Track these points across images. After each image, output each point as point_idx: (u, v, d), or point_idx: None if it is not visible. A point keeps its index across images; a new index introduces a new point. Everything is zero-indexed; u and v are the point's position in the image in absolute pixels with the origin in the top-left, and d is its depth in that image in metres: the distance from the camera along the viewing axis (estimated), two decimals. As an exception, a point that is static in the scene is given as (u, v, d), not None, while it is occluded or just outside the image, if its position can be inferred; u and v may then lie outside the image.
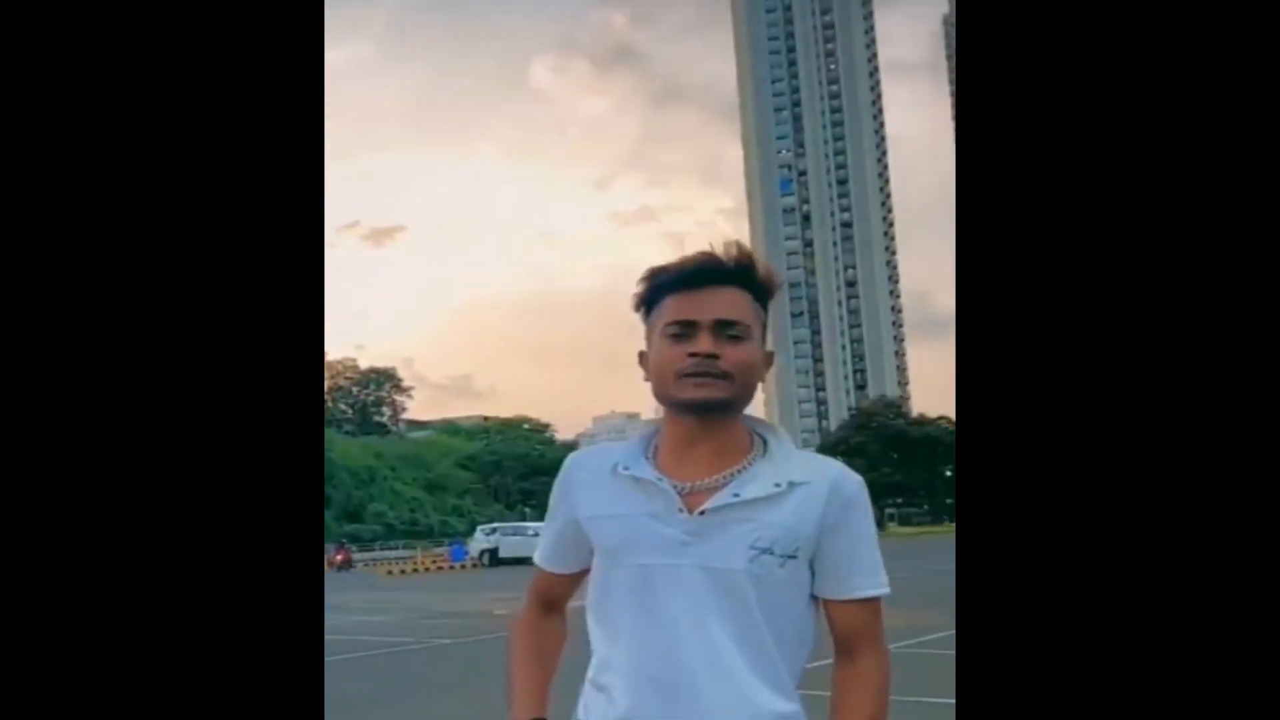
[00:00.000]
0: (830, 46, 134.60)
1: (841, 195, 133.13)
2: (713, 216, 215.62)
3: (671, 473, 1.41)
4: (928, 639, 9.93)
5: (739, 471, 1.40)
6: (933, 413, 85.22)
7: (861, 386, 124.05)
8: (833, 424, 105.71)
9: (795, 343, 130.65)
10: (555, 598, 1.58)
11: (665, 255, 1.44)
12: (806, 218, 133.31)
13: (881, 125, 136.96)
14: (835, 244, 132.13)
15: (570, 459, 1.54)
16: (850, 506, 1.42)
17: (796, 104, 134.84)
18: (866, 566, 1.43)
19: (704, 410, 1.39)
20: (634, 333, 1.52)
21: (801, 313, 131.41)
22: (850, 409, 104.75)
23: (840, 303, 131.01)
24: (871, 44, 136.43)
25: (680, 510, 1.38)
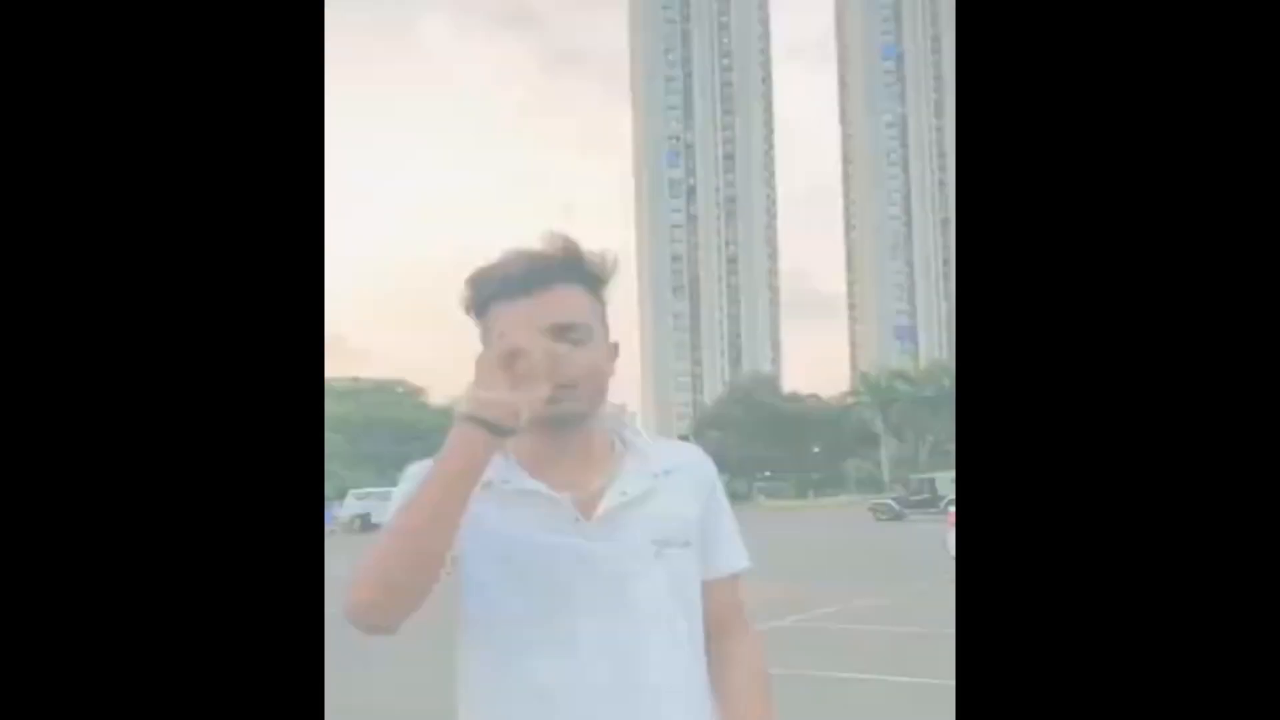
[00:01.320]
0: (724, 20, 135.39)
1: (727, 171, 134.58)
2: (601, 185, 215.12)
3: (549, 482, 1.34)
4: (819, 614, 10.06)
5: (615, 470, 1.37)
6: (803, 390, 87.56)
7: (736, 362, 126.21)
8: (708, 397, 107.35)
9: (674, 315, 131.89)
10: None
11: (552, 222, 1.30)
12: (692, 191, 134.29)
13: (770, 105, 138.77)
14: (719, 219, 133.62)
15: (415, 473, 1.37)
16: (714, 485, 1.44)
17: (688, 75, 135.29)
18: (732, 542, 1.44)
19: (560, 425, 1.33)
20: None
21: (681, 286, 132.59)
22: (725, 383, 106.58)
23: (720, 278, 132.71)
24: (764, 21, 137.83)
25: (578, 519, 1.33)
